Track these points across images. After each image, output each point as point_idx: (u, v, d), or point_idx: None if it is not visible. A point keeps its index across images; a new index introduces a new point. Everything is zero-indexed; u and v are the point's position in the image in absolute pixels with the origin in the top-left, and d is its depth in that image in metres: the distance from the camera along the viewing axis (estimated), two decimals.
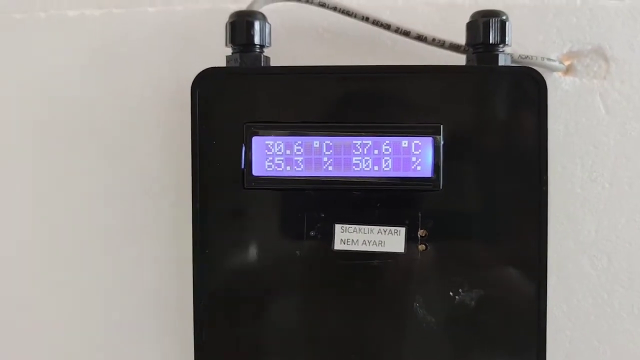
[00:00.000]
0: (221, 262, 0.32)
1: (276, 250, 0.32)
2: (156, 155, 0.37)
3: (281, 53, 0.34)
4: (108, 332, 0.38)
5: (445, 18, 0.36)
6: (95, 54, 0.37)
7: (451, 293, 0.32)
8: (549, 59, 0.35)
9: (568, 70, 0.36)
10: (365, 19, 0.34)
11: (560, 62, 0.36)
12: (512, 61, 0.33)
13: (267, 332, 0.33)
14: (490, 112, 0.32)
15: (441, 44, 0.34)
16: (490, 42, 0.32)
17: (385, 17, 0.34)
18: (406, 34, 0.34)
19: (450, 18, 0.35)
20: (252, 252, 0.32)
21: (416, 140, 0.31)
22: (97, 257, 0.38)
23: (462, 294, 0.32)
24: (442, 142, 0.31)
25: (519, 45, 0.35)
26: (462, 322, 0.32)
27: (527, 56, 0.34)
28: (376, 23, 0.34)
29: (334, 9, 0.34)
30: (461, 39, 0.33)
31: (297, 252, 0.32)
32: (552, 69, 0.35)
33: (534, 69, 0.31)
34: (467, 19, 0.33)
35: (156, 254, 0.37)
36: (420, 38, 0.34)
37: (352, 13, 0.34)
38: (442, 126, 0.31)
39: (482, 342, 0.32)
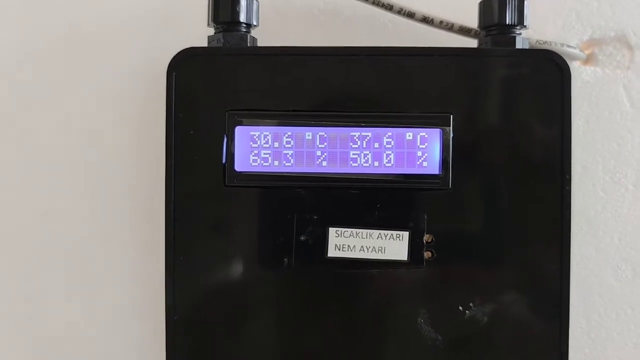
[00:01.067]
0: (198, 270, 0.31)
1: (261, 258, 0.31)
2: (126, 147, 0.36)
3: (270, 37, 0.33)
4: (74, 345, 0.36)
5: None
6: (61, 36, 0.36)
7: (460, 307, 0.30)
8: (568, 46, 0.34)
9: (589, 59, 0.35)
10: None
11: (581, 50, 0.35)
12: (529, 47, 0.32)
13: (250, 353, 0.31)
14: (507, 101, 0.30)
15: (449, 26, 0.33)
16: (507, 22, 0.30)
17: None
18: (410, 15, 0.33)
19: None
20: (234, 259, 0.31)
21: (422, 132, 0.30)
22: (59, 260, 0.36)
23: (472, 308, 0.30)
24: (451, 135, 0.30)
25: (535, 31, 0.34)
26: (473, 341, 0.31)
27: (545, 42, 0.33)
28: (377, 3, 0.33)
29: None
30: (472, 21, 0.32)
31: (285, 259, 0.31)
32: (572, 57, 0.34)
33: (555, 53, 0.30)
34: None
35: (124, 260, 0.36)
36: (426, 20, 0.33)
37: None
38: (451, 116, 0.30)
39: None
